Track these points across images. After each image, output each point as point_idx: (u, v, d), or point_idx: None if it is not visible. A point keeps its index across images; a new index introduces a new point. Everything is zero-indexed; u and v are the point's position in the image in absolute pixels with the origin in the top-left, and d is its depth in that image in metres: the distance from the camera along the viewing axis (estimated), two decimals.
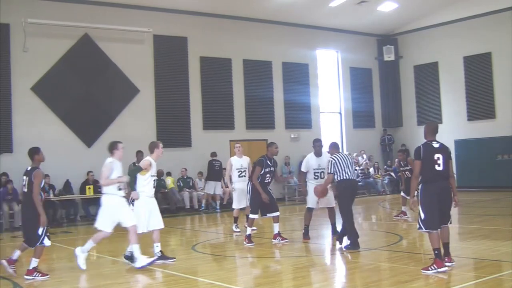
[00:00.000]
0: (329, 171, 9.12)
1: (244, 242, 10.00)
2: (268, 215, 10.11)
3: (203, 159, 18.06)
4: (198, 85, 18.94)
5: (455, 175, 20.52)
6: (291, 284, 7.27)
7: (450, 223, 7.30)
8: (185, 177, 17.84)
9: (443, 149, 7.16)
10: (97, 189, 15.88)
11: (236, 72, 19.82)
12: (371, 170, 22.09)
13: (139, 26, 17.52)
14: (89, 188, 15.60)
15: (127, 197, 8.27)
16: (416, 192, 7.34)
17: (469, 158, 20.78)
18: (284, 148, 18.23)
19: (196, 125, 18.78)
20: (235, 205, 11.77)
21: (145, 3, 17.64)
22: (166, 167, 17.06)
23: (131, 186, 8.25)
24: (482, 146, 20.65)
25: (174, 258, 8.65)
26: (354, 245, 8.98)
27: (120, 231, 12.89)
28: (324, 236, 11.01)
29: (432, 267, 6.88)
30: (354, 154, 22.41)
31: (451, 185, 7.25)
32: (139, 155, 13.43)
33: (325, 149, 10.04)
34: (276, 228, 10.12)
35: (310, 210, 10.11)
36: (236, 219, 12.04)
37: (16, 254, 7.92)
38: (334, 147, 9.53)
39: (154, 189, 8.43)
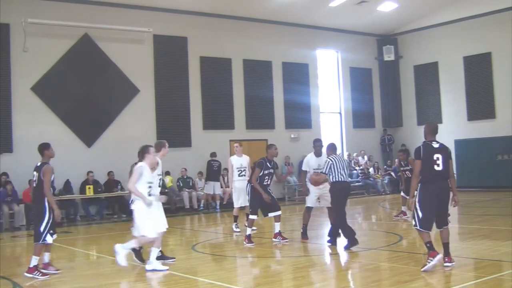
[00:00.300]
0: (324, 171, 9.24)
1: (244, 242, 10.00)
2: (270, 214, 10.12)
3: (203, 159, 18.06)
4: (198, 85, 18.94)
5: (455, 175, 20.49)
6: (291, 284, 7.27)
7: (449, 222, 7.32)
8: (185, 177, 17.84)
9: (443, 149, 7.18)
10: (97, 189, 15.94)
11: (236, 72, 19.82)
12: (371, 170, 22.09)
13: (139, 26, 17.52)
14: (89, 188, 15.60)
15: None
16: (415, 191, 7.36)
17: (469, 158, 20.77)
18: (284, 148, 18.25)
19: (196, 125, 18.78)
20: (235, 204, 11.80)
21: (145, 3, 17.64)
22: (166, 167, 16.97)
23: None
24: (482, 146, 20.64)
25: (174, 258, 8.65)
26: (352, 242, 9.01)
27: (120, 231, 12.84)
28: (323, 236, 10.99)
29: (428, 260, 6.97)
30: (354, 154, 22.44)
31: (451, 185, 7.28)
32: (141, 155, 13.40)
33: (325, 149, 10.07)
34: (277, 227, 10.15)
35: (309, 209, 10.13)
36: (236, 218, 12.05)
37: (46, 256, 7.92)
38: (331, 149, 9.63)
39: (160, 188, 8.30)
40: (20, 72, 15.69)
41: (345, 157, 21.35)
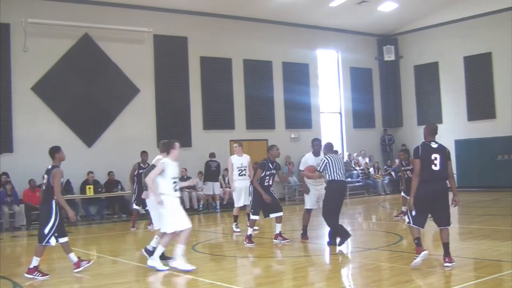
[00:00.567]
0: (319, 169, 9.26)
1: (245, 242, 10.01)
2: (271, 215, 10.13)
3: (203, 159, 18.06)
4: (198, 85, 18.94)
5: (455, 175, 20.44)
6: (291, 284, 7.27)
7: (451, 222, 7.33)
8: (185, 177, 17.81)
9: (441, 150, 7.24)
10: (97, 189, 15.93)
11: (236, 72, 19.82)
12: (371, 170, 22.09)
13: (139, 26, 17.52)
14: (89, 188, 15.60)
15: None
16: None
17: (469, 158, 20.77)
18: (284, 148, 18.22)
19: (196, 125, 18.78)
20: (236, 204, 11.80)
21: (145, 3, 17.64)
22: None
23: (144, 186, 8.21)
24: (482, 146, 20.64)
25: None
26: (344, 236, 9.01)
27: (120, 231, 12.83)
28: (324, 236, 10.98)
29: (415, 257, 7.12)
30: (355, 154, 22.44)
31: (450, 186, 7.33)
32: (144, 155, 13.43)
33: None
34: (278, 228, 10.16)
35: (309, 210, 10.15)
36: (236, 218, 12.04)
37: (72, 256, 7.94)
38: (328, 148, 9.66)
39: (177, 192, 7.99)
40: (20, 72, 15.69)
41: (345, 157, 21.36)
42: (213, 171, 17.61)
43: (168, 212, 7.79)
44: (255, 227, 10.70)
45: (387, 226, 12.50)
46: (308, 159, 10.07)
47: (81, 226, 14.92)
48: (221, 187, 17.87)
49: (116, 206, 16.56)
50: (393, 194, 20.60)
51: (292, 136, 20.93)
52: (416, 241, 7.22)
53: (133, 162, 13.53)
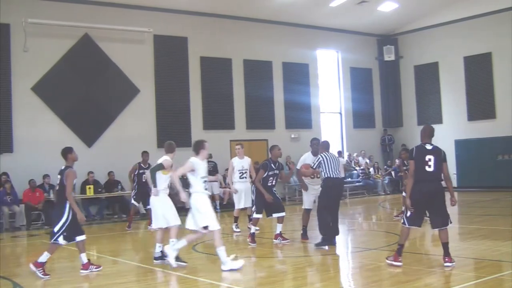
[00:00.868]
0: (313, 166, 9.34)
1: (248, 241, 10.07)
2: (274, 215, 10.15)
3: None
4: (198, 85, 18.94)
5: (455, 175, 20.37)
6: (291, 284, 7.27)
7: (450, 223, 7.33)
8: (185, 177, 17.77)
9: (436, 151, 7.33)
10: (97, 189, 15.93)
11: (236, 72, 19.82)
12: (371, 170, 22.09)
13: (139, 26, 17.52)
14: (89, 188, 15.60)
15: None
16: None
17: (469, 158, 20.78)
18: (284, 148, 18.09)
19: (196, 125, 18.78)
20: (236, 205, 11.81)
21: (145, 3, 17.64)
22: None
23: (152, 181, 8.31)
24: (482, 146, 20.65)
25: None
26: (325, 241, 9.19)
27: (120, 231, 12.83)
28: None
29: (389, 258, 7.47)
30: (355, 154, 22.44)
31: (447, 187, 7.47)
32: (145, 155, 13.44)
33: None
34: (279, 228, 10.18)
35: (308, 211, 10.18)
36: (236, 219, 12.04)
37: (83, 256, 7.96)
38: (323, 146, 9.74)
39: (207, 190, 8.11)
40: (20, 72, 15.69)
41: (345, 157, 21.35)
42: (209, 171, 17.53)
43: (199, 209, 7.80)
44: (256, 227, 10.69)
45: (387, 226, 12.51)
46: (307, 158, 10.10)
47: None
48: (221, 186, 17.86)
49: (116, 206, 16.56)
50: (393, 194, 20.60)
51: (292, 136, 20.92)
52: (399, 246, 7.38)
53: (133, 162, 13.54)
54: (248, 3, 19.03)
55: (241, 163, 11.70)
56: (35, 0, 16.11)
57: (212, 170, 17.55)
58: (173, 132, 17.86)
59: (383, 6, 20.75)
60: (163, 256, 8.46)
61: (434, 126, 8.10)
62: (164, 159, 8.61)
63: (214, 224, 7.78)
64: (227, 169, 16.63)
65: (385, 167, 22.62)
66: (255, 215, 10.15)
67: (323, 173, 9.32)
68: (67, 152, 8.06)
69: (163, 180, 8.55)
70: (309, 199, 10.07)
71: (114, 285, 7.25)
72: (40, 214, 14.92)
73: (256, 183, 10.05)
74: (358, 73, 23.36)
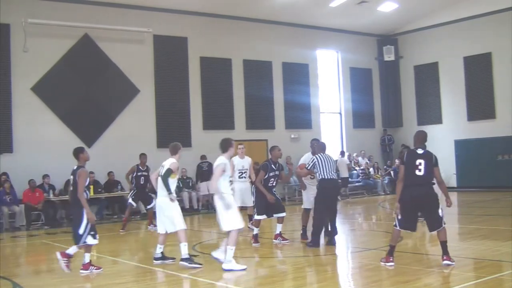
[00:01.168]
0: (307, 167, 9.42)
1: (252, 242, 10.09)
2: (275, 215, 10.17)
3: None
4: (198, 85, 18.94)
5: (455, 175, 20.38)
6: (291, 284, 7.26)
7: (444, 223, 7.32)
8: (185, 177, 17.84)
9: (426, 156, 7.40)
10: (97, 189, 15.92)
11: (236, 72, 19.81)
12: (371, 170, 22.08)
13: (139, 26, 17.52)
14: (89, 188, 15.57)
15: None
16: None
17: (469, 158, 20.77)
18: (284, 148, 18.05)
19: (196, 125, 18.78)
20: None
21: (145, 3, 17.64)
22: None
23: (166, 189, 8.17)
24: (482, 146, 20.64)
25: (174, 258, 8.62)
26: (315, 244, 9.31)
27: (118, 231, 12.78)
28: (323, 236, 10.98)
29: (383, 259, 7.53)
30: (354, 154, 22.44)
31: (441, 190, 7.51)
32: (143, 157, 13.42)
33: None
34: (279, 228, 10.20)
35: (307, 211, 10.22)
36: None
37: (86, 256, 7.98)
38: (319, 147, 9.79)
39: (229, 188, 8.10)
40: (20, 72, 15.68)
41: (345, 157, 21.34)
42: (204, 171, 17.54)
43: (227, 210, 7.79)
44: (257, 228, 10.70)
45: (387, 226, 12.48)
46: (307, 159, 10.12)
47: None
48: None
49: (116, 206, 16.54)
50: (393, 194, 20.55)
51: (292, 136, 20.92)
52: (390, 248, 7.44)
53: (133, 162, 13.52)
54: (248, 3, 19.03)
55: (242, 162, 11.70)
56: (35, 0, 16.11)
57: (207, 169, 17.56)
58: (173, 132, 17.86)
59: (383, 6, 20.75)
60: (163, 257, 8.46)
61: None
62: (171, 162, 8.45)
63: (240, 223, 7.82)
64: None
65: (385, 167, 22.62)
66: (256, 217, 10.15)
67: (317, 174, 9.37)
68: (78, 152, 8.12)
69: (171, 183, 8.44)
70: (308, 199, 10.09)
71: (114, 285, 7.25)
72: (40, 214, 14.91)
73: (257, 184, 10.04)
74: (358, 73, 23.36)
